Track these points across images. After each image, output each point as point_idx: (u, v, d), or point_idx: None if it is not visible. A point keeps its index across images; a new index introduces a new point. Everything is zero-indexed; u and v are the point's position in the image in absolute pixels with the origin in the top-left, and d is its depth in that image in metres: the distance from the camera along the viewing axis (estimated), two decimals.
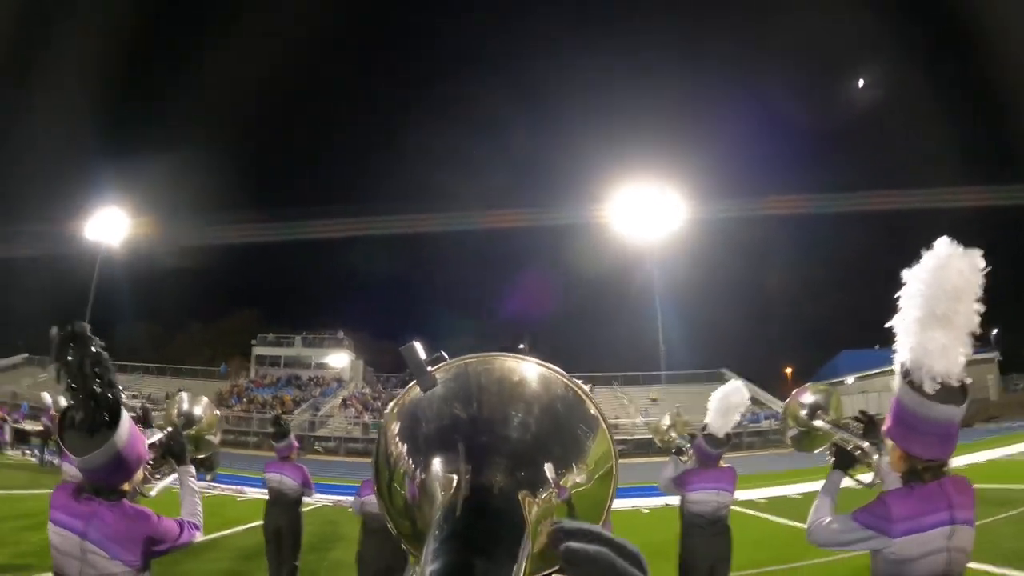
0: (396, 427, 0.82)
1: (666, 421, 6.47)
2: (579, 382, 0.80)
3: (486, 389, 0.80)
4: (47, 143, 71.48)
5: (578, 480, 0.77)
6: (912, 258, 2.52)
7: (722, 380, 30.98)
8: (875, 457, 3.04)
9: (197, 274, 74.93)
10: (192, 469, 3.30)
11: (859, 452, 3.11)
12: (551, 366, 0.79)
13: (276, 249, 76.24)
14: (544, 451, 0.77)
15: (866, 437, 3.14)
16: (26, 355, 56.65)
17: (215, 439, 4.41)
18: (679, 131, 60.50)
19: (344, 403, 45.93)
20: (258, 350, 57.44)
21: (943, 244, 2.47)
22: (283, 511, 6.95)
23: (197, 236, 63.91)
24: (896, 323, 2.61)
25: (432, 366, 0.78)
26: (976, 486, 2.68)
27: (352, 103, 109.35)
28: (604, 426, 0.80)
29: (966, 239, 2.44)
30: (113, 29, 69.22)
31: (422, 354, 0.78)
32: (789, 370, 58.19)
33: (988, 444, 20.37)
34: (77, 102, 72.96)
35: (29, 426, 24.48)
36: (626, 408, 43.82)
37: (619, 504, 15.00)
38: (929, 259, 2.48)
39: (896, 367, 2.66)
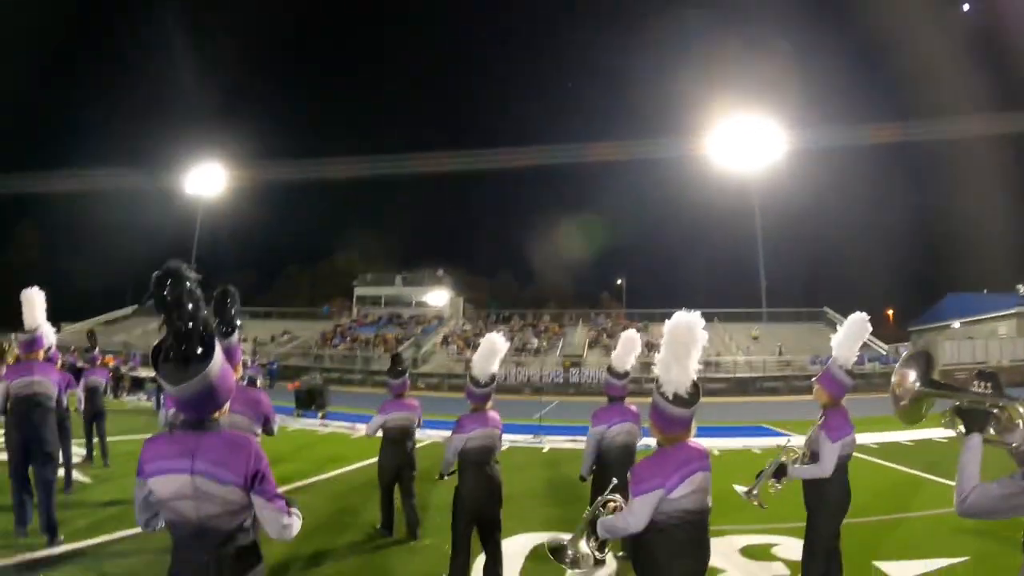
0: None
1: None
2: None
3: None
4: (145, 106, 73.70)
5: None
6: None
7: (824, 320, 30.37)
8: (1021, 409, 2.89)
9: (295, 220, 76.81)
10: None
11: (995, 410, 2.90)
12: None
13: (371, 190, 76.97)
14: None
15: (996, 394, 2.91)
16: (135, 306, 59.85)
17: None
18: (779, 56, 56.83)
19: (445, 340, 46.18)
20: (359, 290, 58.77)
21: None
22: (399, 448, 7.09)
23: (292, 183, 65.23)
24: None
25: None
26: None
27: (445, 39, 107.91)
28: None
29: None
30: None
31: None
32: (891, 312, 55.08)
33: None
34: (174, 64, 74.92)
35: (143, 373, 25.54)
36: (727, 345, 42.62)
37: (727, 444, 14.64)
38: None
39: None
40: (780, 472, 4.70)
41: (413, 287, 57.08)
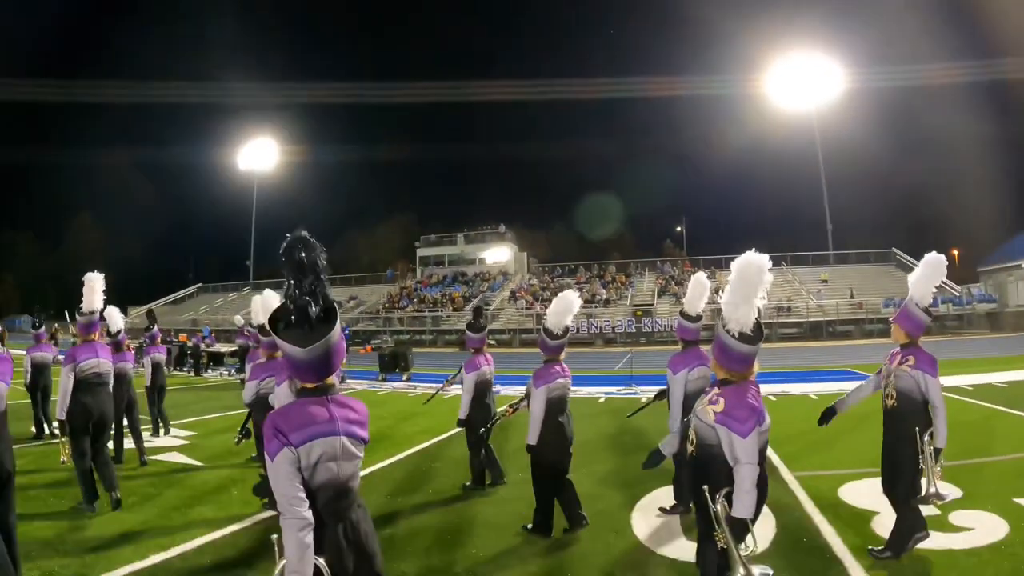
0: None
1: None
2: None
3: None
4: (193, 84, 74.81)
5: None
6: None
7: (893, 261, 29.61)
8: None
9: (348, 187, 77.47)
10: None
11: None
12: None
13: (423, 151, 77.02)
14: None
15: None
16: (199, 284, 61.62)
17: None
18: None
19: (513, 296, 46.59)
20: (421, 251, 59.48)
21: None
22: (482, 401, 7.25)
23: (343, 152, 65.63)
24: None
25: None
26: None
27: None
28: None
29: None
30: None
31: None
32: (956, 252, 53.37)
33: None
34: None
35: (223, 348, 26.62)
36: (798, 290, 42.13)
37: (791, 389, 14.81)
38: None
39: None
40: (937, 454, 4.72)
41: (476, 244, 57.47)
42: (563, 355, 5.86)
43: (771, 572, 3.21)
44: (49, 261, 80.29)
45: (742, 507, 3.25)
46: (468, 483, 7.30)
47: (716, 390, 3.54)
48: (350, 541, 2.66)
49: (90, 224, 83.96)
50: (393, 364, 20.66)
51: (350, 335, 35.66)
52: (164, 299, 60.43)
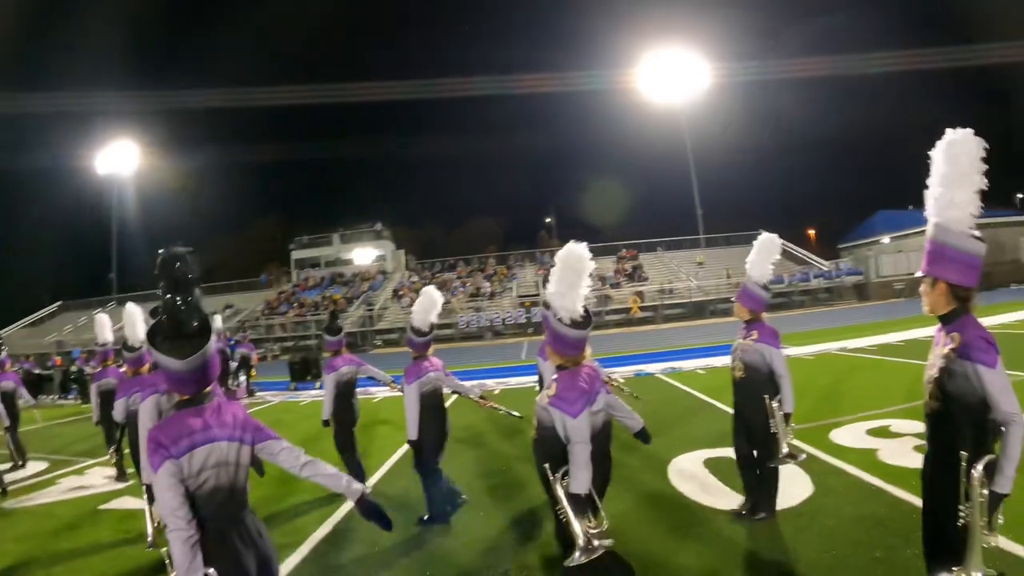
0: None
1: None
2: None
3: None
4: (54, 81, 69.97)
5: None
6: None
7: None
8: None
9: (212, 191, 74.70)
10: None
11: None
12: None
13: (291, 151, 75.33)
14: None
15: None
16: (60, 302, 57.74)
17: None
18: None
19: (396, 294, 46.55)
20: (296, 253, 58.41)
21: (950, 133, 2.99)
22: (347, 402, 7.43)
23: (207, 154, 63.21)
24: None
25: None
26: None
27: None
28: None
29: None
30: None
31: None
32: (812, 232, 57.78)
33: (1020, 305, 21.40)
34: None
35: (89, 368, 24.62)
36: (676, 273, 44.49)
37: (683, 365, 16.06)
38: (941, 142, 2.99)
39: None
40: (787, 419, 5.08)
41: (352, 244, 57.08)
42: (431, 350, 6.17)
43: (610, 543, 3.42)
44: None
45: (577, 483, 3.46)
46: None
47: (554, 376, 3.80)
48: (246, 545, 2.76)
49: None
50: (304, 371, 20.47)
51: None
52: (21, 321, 56.06)
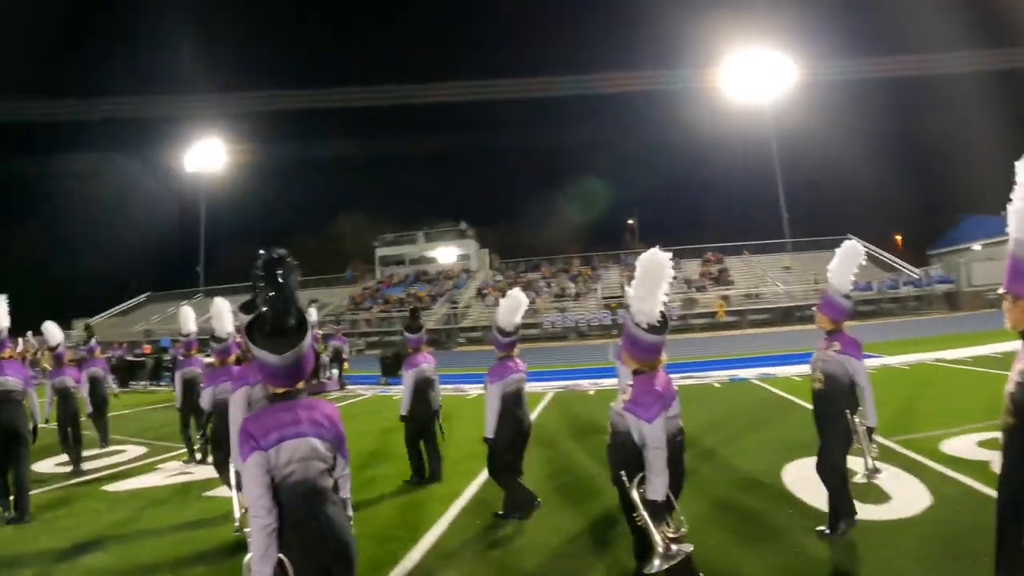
0: None
1: None
2: None
3: None
4: (134, 86, 73.02)
5: None
6: None
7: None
8: None
9: (297, 187, 76.82)
10: None
11: None
12: None
13: (373, 148, 76.76)
14: None
15: None
16: (148, 293, 60.15)
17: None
18: None
19: (480, 293, 47.24)
20: (380, 251, 59.70)
21: None
22: (423, 398, 7.72)
23: (291, 151, 64.99)
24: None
25: None
26: None
27: None
28: None
29: None
30: None
31: None
32: (899, 237, 55.91)
33: None
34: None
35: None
36: (762, 277, 43.64)
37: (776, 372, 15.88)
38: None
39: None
40: (869, 433, 4.98)
41: (436, 242, 58.17)
42: (516, 351, 6.27)
43: (691, 549, 3.48)
44: None
45: (654, 489, 3.53)
46: (409, 479, 7.67)
47: (628, 381, 3.85)
48: (326, 535, 2.87)
49: (33, 236, 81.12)
50: (396, 366, 20.03)
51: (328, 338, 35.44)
52: (111, 311, 59.17)
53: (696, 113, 60.67)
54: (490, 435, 5.97)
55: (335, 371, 19.42)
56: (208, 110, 67.34)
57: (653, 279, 3.73)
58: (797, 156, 55.03)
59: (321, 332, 21.62)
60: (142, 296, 61.83)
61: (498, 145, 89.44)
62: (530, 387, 7.02)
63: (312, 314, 22.26)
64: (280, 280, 2.90)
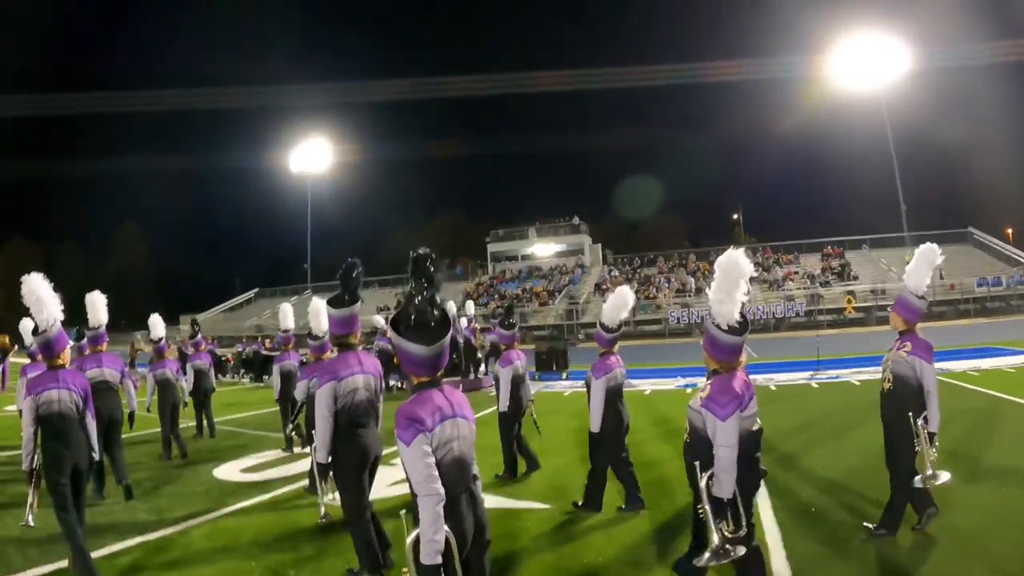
0: None
1: None
2: None
3: None
4: (242, 86, 75.82)
5: None
6: None
7: (971, 240, 30.98)
8: None
9: (403, 184, 78.87)
10: None
11: None
12: None
13: (478, 145, 78.39)
14: None
15: None
16: (256, 289, 64.30)
17: None
18: None
19: (599, 288, 48.27)
20: (492, 247, 61.00)
21: None
22: (515, 395, 8.01)
23: (397, 148, 66.74)
24: None
25: None
26: None
27: None
28: None
29: None
30: None
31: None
32: (1010, 231, 53.89)
33: None
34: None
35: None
36: (887, 273, 42.90)
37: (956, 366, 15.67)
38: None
39: None
40: (931, 438, 4.99)
41: (548, 238, 59.13)
42: (616, 347, 6.51)
43: (743, 551, 3.59)
44: (97, 272, 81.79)
45: (720, 487, 3.64)
46: (500, 472, 7.95)
47: (707, 380, 3.96)
48: (469, 509, 3.09)
49: (137, 233, 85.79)
50: (550, 362, 20.75)
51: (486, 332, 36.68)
52: (220, 306, 62.93)
53: (804, 102, 60.08)
54: (595, 429, 6.20)
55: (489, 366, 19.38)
56: (316, 107, 69.76)
57: (732, 280, 3.85)
58: (914, 146, 54.18)
59: (478, 326, 22.45)
60: (250, 292, 64.76)
61: (604, 139, 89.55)
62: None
63: (469, 307, 22.96)
64: (429, 277, 3.14)
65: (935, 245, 5.54)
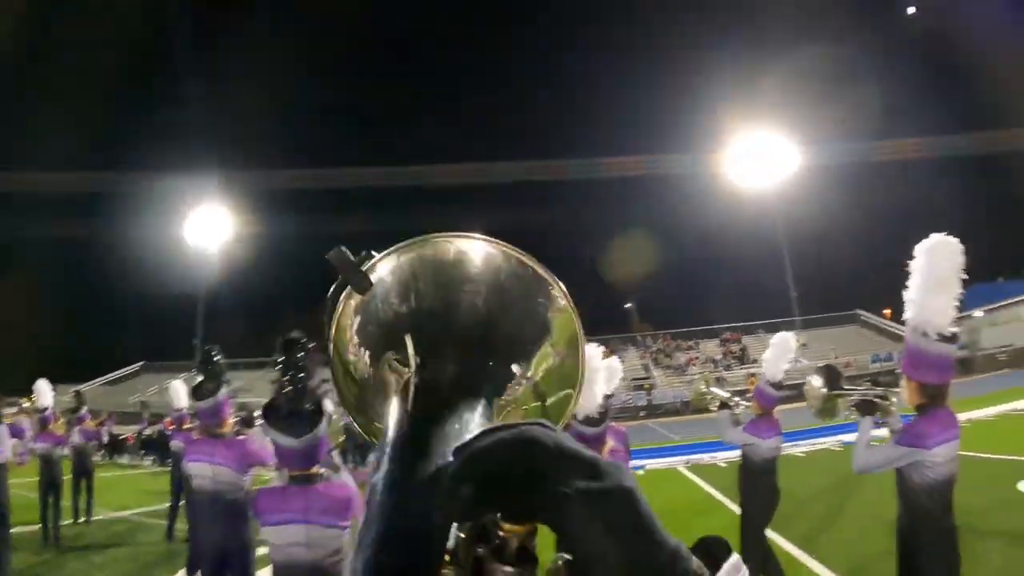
0: (344, 341, 0.76)
1: (701, 386, 7.34)
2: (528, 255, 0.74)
3: (420, 276, 0.74)
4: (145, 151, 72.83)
5: (548, 362, 0.71)
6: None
7: (858, 321, 37.58)
8: (893, 399, 3.67)
9: (296, 262, 76.78)
10: None
11: (879, 400, 3.77)
12: (495, 240, 0.74)
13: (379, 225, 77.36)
14: (500, 333, 0.70)
15: (883, 390, 3.87)
16: (143, 362, 58.56)
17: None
18: (789, 75, 58.88)
19: None
20: None
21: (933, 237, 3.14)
22: None
23: (296, 223, 65.02)
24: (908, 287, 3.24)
25: (362, 265, 0.74)
26: None
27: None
28: (562, 296, 0.74)
29: None
30: None
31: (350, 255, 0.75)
32: (887, 311, 57.96)
33: None
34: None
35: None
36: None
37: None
38: (922, 245, 3.21)
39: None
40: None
41: None
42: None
43: None
44: None
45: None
46: None
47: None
48: None
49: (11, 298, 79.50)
50: None
51: None
52: (101, 378, 54.95)
53: (696, 197, 62.48)
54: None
55: None
56: (212, 179, 66.58)
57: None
58: (800, 238, 57.02)
59: None
60: (135, 365, 57.97)
61: (490, 227, 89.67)
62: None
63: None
64: (300, 365, 2.98)
65: (790, 334, 5.99)
